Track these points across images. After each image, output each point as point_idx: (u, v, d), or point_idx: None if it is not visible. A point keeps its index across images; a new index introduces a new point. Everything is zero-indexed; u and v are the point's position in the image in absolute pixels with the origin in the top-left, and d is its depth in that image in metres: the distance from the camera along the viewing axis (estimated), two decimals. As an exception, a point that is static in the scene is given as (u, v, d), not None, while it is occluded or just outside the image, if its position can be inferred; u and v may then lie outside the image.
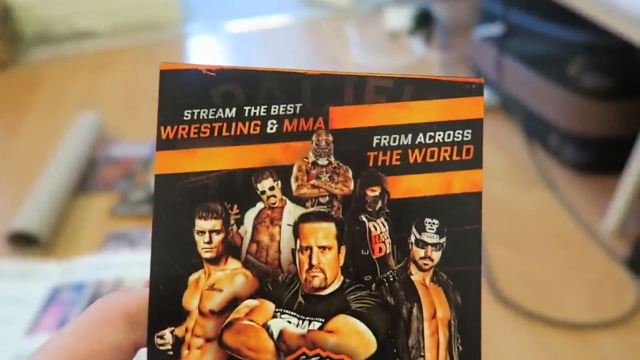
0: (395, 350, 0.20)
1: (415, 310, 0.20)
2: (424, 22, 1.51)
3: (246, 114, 0.21)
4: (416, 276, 0.20)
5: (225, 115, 0.21)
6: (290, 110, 0.20)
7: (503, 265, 0.86)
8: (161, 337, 0.20)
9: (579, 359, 0.72)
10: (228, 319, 0.20)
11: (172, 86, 0.20)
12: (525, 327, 0.77)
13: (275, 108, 0.21)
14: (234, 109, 0.21)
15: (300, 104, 0.20)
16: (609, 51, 0.94)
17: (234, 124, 0.21)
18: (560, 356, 0.73)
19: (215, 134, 0.21)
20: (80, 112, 1.13)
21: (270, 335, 0.20)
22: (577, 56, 0.96)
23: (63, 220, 0.91)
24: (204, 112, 0.21)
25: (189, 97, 0.21)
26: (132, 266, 0.82)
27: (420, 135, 0.21)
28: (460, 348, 0.20)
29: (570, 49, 0.97)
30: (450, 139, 0.20)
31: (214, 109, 0.21)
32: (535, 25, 1.05)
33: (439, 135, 0.20)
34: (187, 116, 0.21)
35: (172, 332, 0.20)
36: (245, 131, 0.21)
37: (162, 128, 0.21)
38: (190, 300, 0.20)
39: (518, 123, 1.11)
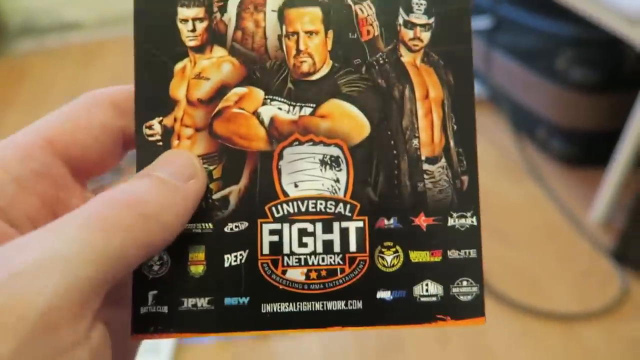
0: (389, 132, 0.20)
1: (407, 92, 0.20)
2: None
3: None
4: (406, 57, 0.20)
5: None
6: None
7: (490, 257, 0.87)
8: (150, 128, 0.19)
9: (565, 349, 0.73)
10: (217, 108, 0.20)
11: None
12: (512, 318, 0.77)
13: None
14: None
15: None
16: (597, 45, 0.94)
17: None
18: (546, 346, 0.74)
19: None
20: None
21: (261, 122, 0.19)
22: (564, 50, 0.97)
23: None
24: None
25: None
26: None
27: None
28: (455, 127, 0.20)
29: (558, 42, 0.98)
30: None
31: None
32: (524, 18, 1.06)
33: None
34: None
35: (160, 122, 0.19)
36: None
37: None
38: (178, 90, 0.20)
39: (506, 116, 1.12)
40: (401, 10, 0.20)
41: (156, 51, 0.20)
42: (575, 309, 0.78)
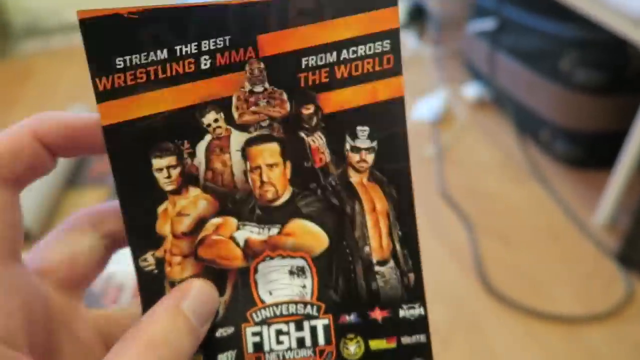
0: (344, 243, 0.23)
1: (357, 207, 0.23)
2: (417, 16, 1.51)
3: (178, 54, 0.21)
4: (354, 178, 0.23)
5: (158, 58, 0.21)
6: (220, 44, 0.21)
7: (494, 258, 0.86)
8: (144, 260, 0.23)
9: (568, 352, 0.73)
10: (199, 237, 0.23)
11: (96, 34, 0.21)
12: (515, 320, 0.77)
13: (205, 44, 0.21)
14: (165, 50, 0.21)
15: (229, 36, 0.21)
16: (601, 46, 0.94)
17: (168, 65, 0.21)
18: (550, 349, 0.74)
19: (152, 77, 0.21)
20: (70, 106, 1.12)
21: (237, 244, 0.23)
22: (569, 51, 0.97)
23: (53, 215, 0.90)
24: (135, 57, 0.21)
25: (117, 43, 0.21)
26: (122, 260, 0.81)
27: (344, 51, 0.22)
28: (400, 233, 0.23)
29: (562, 44, 0.98)
30: (372, 52, 0.22)
31: (145, 53, 0.21)
32: (528, 20, 1.06)
33: (361, 49, 0.22)
34: (119, 64, 0.21)
35: (152, 255, 0.23)
36: (181, 71, 0.21)
37: (97, 80, 0.21)
38: (163, 227, 0.23)
39: (510, 118, 1.12)
40: (348, 138, 0.23)
41: (139, 200, 0.22)
42: (579, 312, 0.78)
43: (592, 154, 1.02)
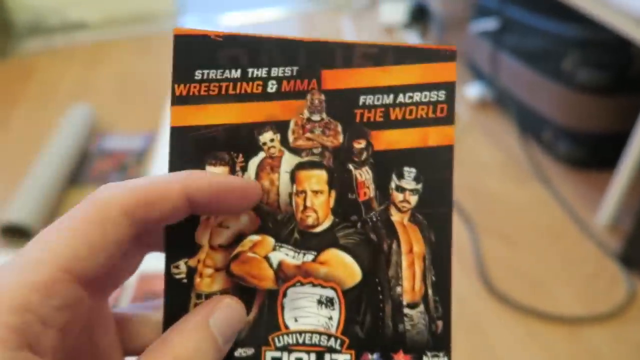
0: (377, 280, 0.23)
1: (394, 246, 0.23)
2: (419, 16, 1.51)
3: (249, 75, 0.23)
4: (395, 217, 0.23)
5: (232, 76, 0.23)
6: (288, 73, 0.23)
7: (496, 259, 0.86)
8: (176, 267, 0.23)
9: (570, 352, 0.73)
10: (235, 252, 0.23)
11: (184, 49, 0.23)
12: (517, 320, 0.77)
13: (275, 70, 0.23)
14: (239, 70, 0.23)
15: (297, 67, 0.23)
16: (604, 46, 0.94)
17: (239, 84, 0.23)
18: (552, 349, 0.73)
19: (223, 92, 0.23)
20: (72, 104, 1.12)
21: (271, 265, 0.23)
22: (572, 51, 0.96)
23: (55, 213, 0.90)
24: (212, 72, 0.23)
25: (200, 58, 0.23)
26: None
27: (401, 95, 0.23)
28: (434, 279, 0.23)
29: (565, 44, 0.97)
30: (427, 99, 0.23)
31: (222, 70, 0.23)
32: (531, 20, 1.05)
33: (417, 95, 0.23)
34: (197, 76, 0.23)
35: (185, 263, 0.23)
36: (249, 90, 0.23)
37: (176, 86, 0.23)
38: (202, 236, 0.23)
39: (512, 118, 1.12)
40: (394, 176, 0.23)
41: None
42: (581, 312, 0.78)
43: (595, 154, 1.02)
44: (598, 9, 0.82)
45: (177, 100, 0.23)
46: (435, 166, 0.23)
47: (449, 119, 0.23)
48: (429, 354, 0.23)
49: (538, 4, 1.05)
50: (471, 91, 1.22)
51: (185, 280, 0.23)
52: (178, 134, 0.23)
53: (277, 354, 0.23)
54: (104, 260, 0.19)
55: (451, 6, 1.57)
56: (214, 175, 0.22)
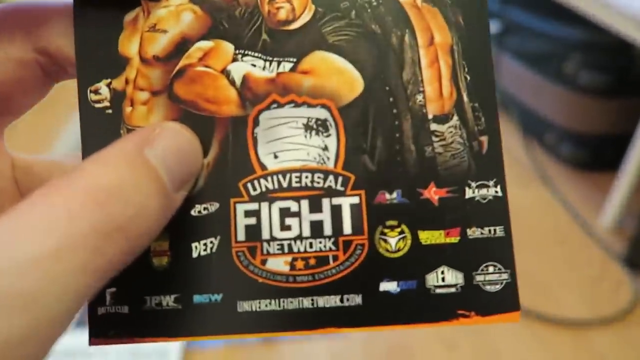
0: (387, 88, 0.16)
1: (407, 38, 0.16)
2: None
3: None
4: None
5: None
6: None
7: (500, 262, 0.86)
8: (96, 92, 0.16)
9: (575, 356, 0.73)
10: (178, 66, 0.16)
11: None
12: (521, 324, 0.77)
13: None
14: None
15: None
16: (606, 49, 0.94)
17: None
18: (556, 353, 0.73)
19: None
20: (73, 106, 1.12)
21: (232, 82, 0.16)
22: (573, 54, 0.96)
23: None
24: None
25: None
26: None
27: None
28: (468, 78, 0.16)
29: (567, 46, 0.98)
30: None
31: None
32: (533, 23, 1.06)
33: None
34: None
35: (108, 85, 0.16)
36: None
37: None
38: (128, 45, 0.16)
39: (515, 120, 1.12)
40: None
41: None
42: (585, 315, 0.77)
43: (598, 156, 1.01)
44: (599, 12, 0.82)
45: None
46: None
47: None
48: (472, 184, 0.16)
49: (540, 7, 1.05)
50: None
51: (110, 111, 0.16)
52: None
53: (253, 205, 0.16)
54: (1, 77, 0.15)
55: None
56: None
